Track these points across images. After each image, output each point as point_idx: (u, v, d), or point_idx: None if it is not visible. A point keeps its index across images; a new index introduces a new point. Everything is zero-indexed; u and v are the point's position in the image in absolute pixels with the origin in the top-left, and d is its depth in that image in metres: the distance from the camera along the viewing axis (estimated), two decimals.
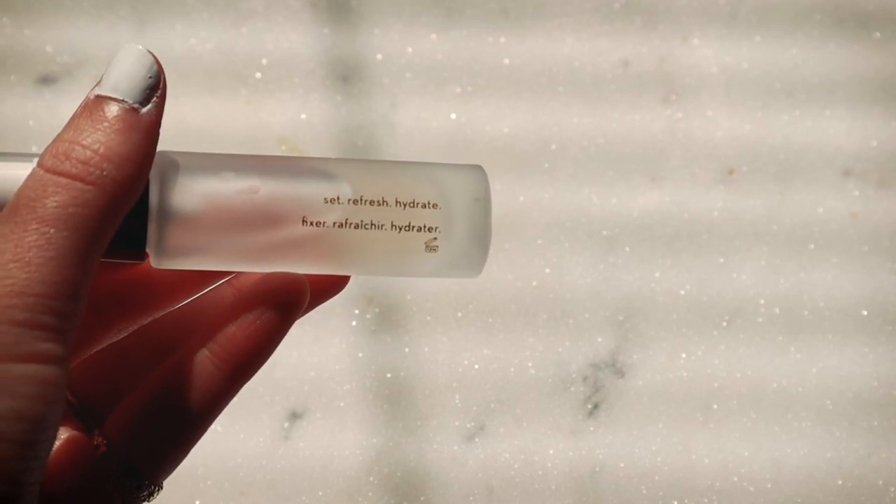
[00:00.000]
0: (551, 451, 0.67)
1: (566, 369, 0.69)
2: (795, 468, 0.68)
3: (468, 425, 0.67)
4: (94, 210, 0.31)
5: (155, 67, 0.34)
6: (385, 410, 0.67)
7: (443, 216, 0.37)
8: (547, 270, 0.70)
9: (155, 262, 0.36)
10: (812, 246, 0.71)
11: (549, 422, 0.68)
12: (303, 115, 0.71)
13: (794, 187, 0.72)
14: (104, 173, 0.32)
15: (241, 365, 0.36)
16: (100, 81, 0.33)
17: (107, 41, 0.72)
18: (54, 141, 0.32)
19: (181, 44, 0.72)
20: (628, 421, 0.68)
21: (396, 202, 0.36)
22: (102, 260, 0.33)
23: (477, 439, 0.67)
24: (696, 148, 0.72)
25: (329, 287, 0.38)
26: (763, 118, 0.73)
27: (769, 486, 0.67)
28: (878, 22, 0.74)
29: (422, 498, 0.66)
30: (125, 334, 0.38)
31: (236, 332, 0.36)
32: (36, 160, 0.32)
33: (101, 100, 0.33)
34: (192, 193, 0.35)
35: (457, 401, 0.68)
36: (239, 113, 0.71)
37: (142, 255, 0.35)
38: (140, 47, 0.34)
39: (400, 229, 0.37)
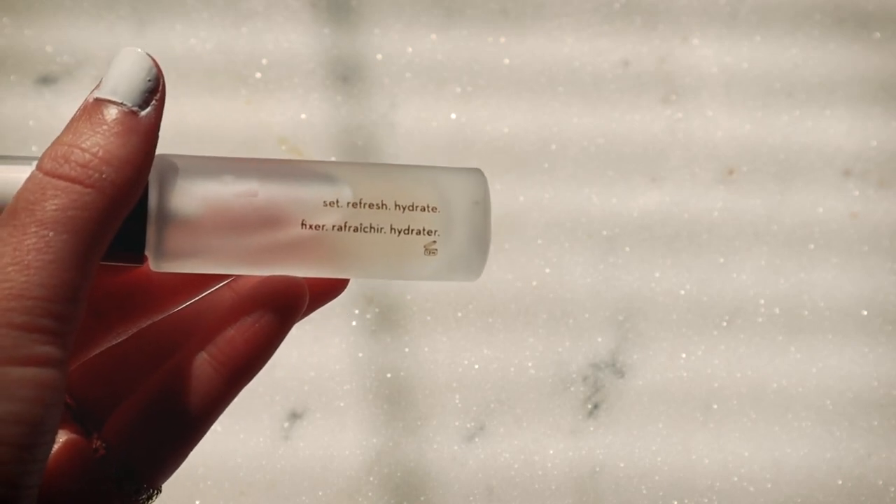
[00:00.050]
0: (551, 451, 0.67)
1: (566, 369, 0.69)
2: (795, 468, 0.68)
3: (468, 425, 0.67)
4: (93, 213, 0.31)
5: (154, 70, 0.34)
6: (385, 410, 0.67)
7: (442, 219, 0.37)
8: (547, 270, 0.70)
9: (154, 265, 0.35)
10: (812, 246, 0.71)
11: (549, 422, 0.68)
12: (303, 115, 0.71)
13: (794, 187, 0.72)
14: (103, 176, 0.32)
15: (239, 368, 0.36)
16: (99, 84, 0.33)
17: (107, 41, 0.72)
18: (53, 144, 0.32)
19: (181, 44, 0.72)
20: (628, 421, 0.68)
21: (396, 205, 0.36)
22: (101, 263, 0.33)
23: (477, 439, 0.67)
24: (696, 148, 0.72)
25: (328, 290, 0.38)
26: (763, 118, 0.73)
27: (769, 486, 0.67)
28: (878, 22, 0.74)
29: (422, 498, 0.66)
30: (124, 337, 0.38)
31: (235, 335, 0.36)
32: (35, 163, 0.32)
33: (99, 103, 0.33)
34: (191, 196, 0.35)
35: (457, 401, 0.68)
36: (239, 113, 0.71)
37: (141, 259, 0.35)
38: (139, 50, 0.34)
39: (399, 232, 0.37)
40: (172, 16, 0.72)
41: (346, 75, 0.72)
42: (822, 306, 0.70)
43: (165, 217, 0.35)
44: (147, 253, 0.35)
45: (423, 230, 0.37)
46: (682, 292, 0.70)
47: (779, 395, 0.69)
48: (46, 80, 0.71)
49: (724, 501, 0.67)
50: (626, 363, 0.69)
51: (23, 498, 0.30)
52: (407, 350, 0.68)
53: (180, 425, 0.36)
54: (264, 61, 0.72)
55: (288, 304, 0.37)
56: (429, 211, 0.37)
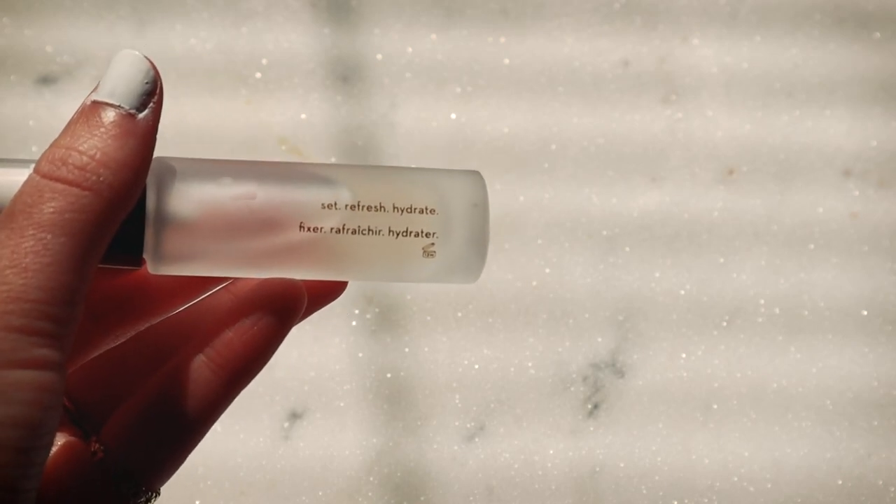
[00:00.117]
0: (551, 451, 0.67)
1: (566, 369, 0.69)
2: (795, 468, 0.68)
3: (468, 425, 0.67)
4: (90, 216, 0.31)
5: (151, 73, 0.34)
6: (385, 410, 0.67)
7: (440, 222, 0.37)
8: (547, 270, 0.70)
9: (152, 267, 0.35)
10: (812, 246, 0.71)
11: (549, 422, 0.68)
12: (303, 115, 0.71)
13: (794, 187, 0.72)
14: (101, 179, 0.32)
15: (238, 371, 0.36)
16: (96, 87, 0.33)
17: (107, 41, 0.72)
18: (51, 147, 0.32)
19: (181, 44, 0.72)
20: (628, 421, 0.68)
21: (394, 207, 0.36)
22: (100, 266, 0.33)
23: (477, 439, 0.67)
24: (696, 148, 0.72)
25: (326, 293, 0.38)
26: (763, 118, 0.73)
27: (769, 486, 0.67)
28: (878, 22, 0.74)
29: (422, 498, 0.66)
30: (122, 340, 0.38)
31: (233, 337, 0.36)
32: (32, 166, 0.32)
33: (97, 105, 0.33)
34: (188, 199, 0.35)
35: (457, 401, 0.68)
36: (239, 113, 0.71)
37: (139, 261, 0.35)
38: (136, 53, 0.34)
39: (397, 235, 0.37)
40: (172, 16, 0.72)
41: (346, 75, 0.72)
42: (822, 306, 0.70)
43: (163, 220, 0.35)
44: (145, 256, 0.35)
45: (422, 232, 0.37)
46: (682, 292, 0.70)
47: (779, 395, 0.69)
48: (46, 80, 0.71)
49: (724, 501, 0.67)
50: (626, 363, 0.69)
51: (21, 501, 0.30)
52: (407, 350, 0.68)
53: (178, 428, 0.36)
54: (264, 61, 0.72)
55: (286, 306, 0.37)
56: (427, 213, 0.37)
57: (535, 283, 0.70)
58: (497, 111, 0.72)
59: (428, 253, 0.37)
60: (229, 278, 0.39)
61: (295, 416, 0.67)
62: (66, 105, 0.71)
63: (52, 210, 0.31)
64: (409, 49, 0.73)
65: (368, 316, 0.69)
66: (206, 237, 0.35)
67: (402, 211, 0.36)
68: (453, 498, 0.66)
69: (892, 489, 0.68)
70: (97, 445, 0.36)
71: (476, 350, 0.68)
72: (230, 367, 0.36)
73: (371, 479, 0.66)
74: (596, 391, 0.68)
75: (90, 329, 0.37)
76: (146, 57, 0.34)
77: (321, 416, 0.67)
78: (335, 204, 0.36)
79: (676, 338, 0.69)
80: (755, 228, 0.71)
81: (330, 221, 0.36)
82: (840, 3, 0.75)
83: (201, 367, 0.36)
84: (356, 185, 0.36)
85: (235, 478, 0.66)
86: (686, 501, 0.67)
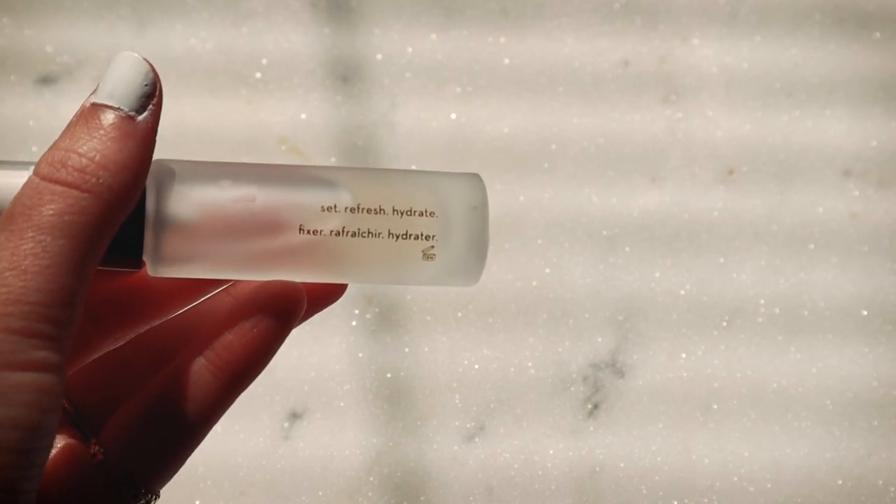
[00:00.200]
0: (551, 451, 0.67)
1: (566, 369, 0.69)
2: (795, 468, 0.68)
3: (468, 425, 0.67)
4: (90, 218, 0.31)
5: (151, 75, 0.34)
6: (385, 410, 0.67)
7: (440, 224, 0.37)
8: (547, 270, 0.70)
9: (152, 270, 0.35)
10: (812, 246, 0.71)
11: (549, 422, 0.68)
12: (303, 115, 0.71)
13: (794, 187, 0.72)
14: (100, 181, 0.32)
15: (238, 373, 0.36)
16: (96, 89, 0.33)
17: (107, 41, 0.72)
18: (50, 149, 0.32)
19: (181, 44, 0.72)
20: (628, 421, 0.68)
21: (394, 210, 0.36)
22: (99, 268, 0.33)
23: (477, 439, 0.67)
24: (696, 148, 0.72)
25: (326, 295, 0.38)
26: (763, 118, 0.73)
27: (769, 486, 0.67)
28: (878, 22, 0.74)
29: (422, 498, 0.66)
30: (122, 343, 0.38)
31: (233, 340, 0.36)
32: (32, 168, 0.32)
33: (96, 108, 0.33)
34: (188, 201, 0.35)
35: (457, 401, 0.68)
36: (239, 113, 0.71)
37: (138, 264, 0.35)
38: (136, 55, 0.34)
39: (397, 237, 0.36)
40: (172, 16, 0.72)
41: (346, 75, 0.72)
42: (822, 306, 0.70)
43: (163, 222, 0.35)
44: (145, 258, 0.35)
45: (422, 235, 0.37)
46: (682, 292, 0.70)
47: (779, 395, 0.69)
48: (46, 80, 0.71)
49: (724, 501, 0.67)
50: (626, 363, 0.69)
51: (21, 503, 0.30)
52: (407, 350, 0.68)
53: (178, 430, 0.36)
54: (264, 61, 0.72)
55: (286, 308, 0.37)
56: (427, 216, 0.37)
57: (535, 283, 0.70)
58: (497, 111, 0.72)
59: (427, 256, 0.37)
60: (229, 281, 0.39)
61: (295, 416, 0.67)
62: (66, 105, 0.71)
63: (51, 212, 0.31)
64: (409, 49, 0.73)
65: (368, 316, 0.69)
66: (205, 239, 0.35)
67: (402, 214, 0.36)
68: (453, 498, 0.66)
69: (892, 489, 0.68)
70: (97, 447, 0.36)
71: (476, 350, 0.68)
72: (230, 370, 0.36)
73: (371, 479, 0.66)
74: (596, 391, 0.68)
75: (90, 331, 0.37)
76: (145, 59, 0.34)
77: (321, 416, 0.67)
78: (335, 206, 0.36)
79: (676, 338, 0.69)
80: (755, 228, 0.71)
81: (330, 224, 0.36)
82: (840, 3, 0.75)
83: (201, 370, 0.36)
84: (356, 188, 0.36)
85: (235, 478, 0.66)
86: (686, 501, 0.67)
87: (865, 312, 0.70)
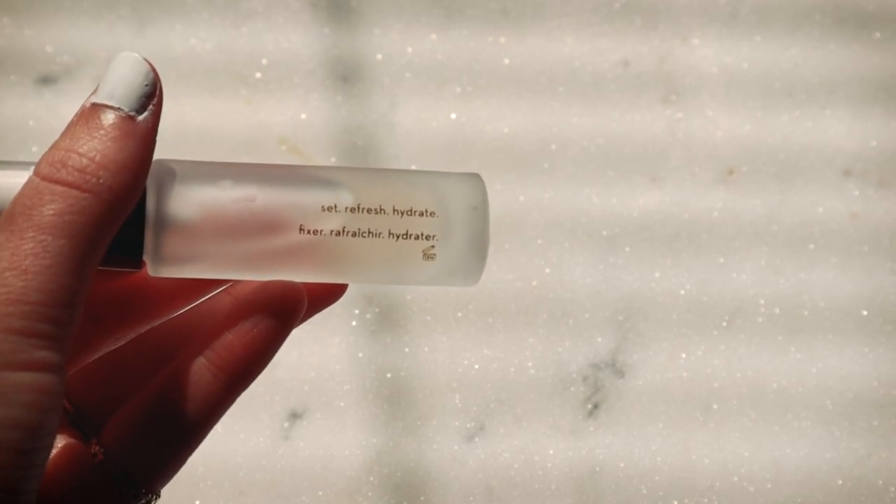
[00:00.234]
0: (551, 451, 0.67)
1: (566, 369, 0.69)
2: (795, 468, 0.68)
3: (468, 425, 0.67)
4: (90, 218, 0.31)
5: (151, 75, 0.34)
6: (385, 410, 0.67)
7: (440, 224, 0.37)
8: (547, 270, 0.70)
9: (152, 270, 0.35)
10: (812, 246, 0.71)
11: (549, 422, 0.68)
12: (303, 115, 0.71)
13: (794, 187, 0.72)
14: (100, 181, 0.32)
15: (238, 373, 0.36)
16: (96, 89, 0.33)
17: (107, 41, 0.72)
18: (50, 149, 0.32)
19: (181, 44, 0.72)
20: (628, 421, 0.68)
21: (394, 210, 0.36)
22: (100, 268, 0.33)
23: (477, 439, 0.67)
24: (696, 148, 0.72)
25: (327, 295, 0.38)
26: (763, 118, 0.73)
27: (769, 486, 0.67)
28: (878, 22, 0.74)
29: (422, 498, 0.66)
30: (122, 342, 0.38)
31: (234, 340, 0.36)
32: (32, 168, 0.32)
33: (97, 108, 0.33)
34: (188, 202, 0.35)
35: (457, 401, 0.68)
36: (239, 113, 0.71)
37: (139, 264, 0.35)
38: (136, 55, 0.34)
39: (397, 237, 0.36)
40: (172, 16, 0.72)
41: (346, 75, 0.72)
42: (822, 306, 0.70)
43: (163, 222, 0.35)
44: (145, 258, 0.35)
45: (422, 235, 0.37)
46: (682, 292, 0.70)
47: (779, 395, 0.69)
48: (46, 80, 0.71)
49: (724, 501, 0.67)
50: (626, 363, 0.69)
51: (21, 503, 0.30)
52: (407, 350, 0.68)
53: (179, 430, 0.36)
54: (264, 61, 0.72)
55: (286, 308, 0.36)
56: (427, 216, 0.37)
57: (535, 283, 0.70)
58: (497, 111, 0.72)
59: (428, 256, 0.37)
60: (229, 281, 0.39)
61: (295, 416, 0.67)
62: (66, 105, 0.71)
63: (51, 212, 0.31)
64: (409, 49, 0.73)
65: (368, 316, 0.69)
66: (206, 239, 0.35)
67: (403, 213, 0.36)
68: (453, 498, 0.66)
69: (892, 489, 0.68)
70: (97, 447, 0.36)
71: (476, 350, 0.68)
72: (230, 370, 0.36)
73: (371, 479, 0.66)
74: (596, 391, 0.68)
75: (90, 331, 0.37)
76: (146, 59, 0.34)
77: (321, 416, 0.67)
78: (335, 206, 0.36)
79: (676, 338, 0.69)
80: (755, 228, 0.71)
81: (330, 224, 0.36)
82: (840, 3, 0.75)
83: (201, 370, 0.36)
84: (356, 188, 0.36)
85: (235, 478, 0.66)
86: (686, 501, 0.67)
87: (865, 312, 0.70)
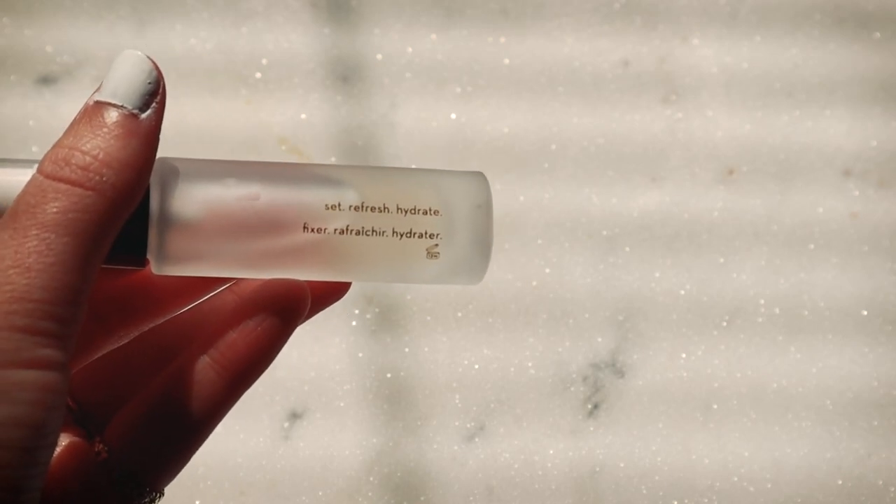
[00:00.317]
0: (551, 451, 0.67)
1: (566, 369, 0.69)
2: (795, 468, 0.68)
3: (468, 425, 0.67)
4: (94, 216, 0.31)
5: (154, 73, 0.34)
6: (385, 410, 0.67)
7: (444, 223, 0.37)
8: (547, 270, 0.70)
9: (156, 268, 0.35)
10: (812, 246, 0.71)
11: (549, 422, 0.68)
12: (303, 115, 0.71)
13: (794, 187, 0.72)
14: (104, 179, 0.32)
15: (241, 372, 0.36)
16: (99, 87, 0.33)
17: (107, 41, 0.72)
18: (54, 147, 0.32)
19: (181, 44, 0.72)
20: (628, 421, 0.68)
21: (398, 209, 0.36)
22: (103, 266, 0.32)
23: (477, 439, 0.67)
24: (696, 148, 0.72)
25: (330, 293, 0.38)
26: (763, 118, 0.73)
27: (769, 486, 0.67)
28: (878, 22, 0.74)
29: (422, 498, 0.66)
30: (126, 341, 0.38)
31: (237, 338, 0.36)
32: (35, 166, 0.32)
33: (100, 105, 0.33)
34: (192, 200, 0.35)
35: (457, 401, 0.68)
36: (239, 113, 0.71)
37: (143, 262, 0.35)
38: (139, 53, 0.34)
39: (401, 236, 0.36)
40: (172, 16, 0.72)
41: (346, 75, 0.72)
42: (822, 306, 0.70)
43: (167, 220, 0.35)
44: (149, 256, 0.35)
45: (426, 233, 0.37)
46: (682, 292, 0.70)
47: (779, 395, 0.69)
48: (46, 80, 0.71)
49: (724, 501, 0.67)
50: (626, 363, 0.69)
51: (25, 501, 0.30)
52: (407, 350, 0.68)
53: (182, 429, 0.36)
54: (264, 61, 0.72)
55: (290, 307, 0.36)
56: (431, 214, 0.37)
57: (535, 283, 0.70)
58: (497, 111, 0.72)
59: (432, 254, 0.37)
60: (233, 279, 0.39)
61: (295, 416, 0.67)
62: (66, 105, 0.70)
63: (55, 210, 0.31)
64: (409, 49, 0.73)
65: (368, 316, 0.69)
66: (209, 238, 0.35)
67: (406, 212, 0.36)
68: (453, 498, 0.66)
69: (892, 489, 0.68)
70: (101, 446, 0.36)
71: (476, 350, 0.68)
72: (234, 368, 0.36)
73: (371, 479, 0.66)
74: (596, 391, 0.68)
75: (94, 329, 0.37)
76: (149, 57, 0.34)
77: (321, 416, 0.67)
78: (339, 205, 0.36)
79: (676, 338, 0.69)
80: (755, 228, 0.71)
81: (334, 222, 0.36)
82: (840, 3, 0.75)
83: (205, 368, 0.36)
84: (360, 187, 0.36)
85: (235, 478, 0.66)
86: (686, 501, 0.67)
87: (865, 312, 0.70)
